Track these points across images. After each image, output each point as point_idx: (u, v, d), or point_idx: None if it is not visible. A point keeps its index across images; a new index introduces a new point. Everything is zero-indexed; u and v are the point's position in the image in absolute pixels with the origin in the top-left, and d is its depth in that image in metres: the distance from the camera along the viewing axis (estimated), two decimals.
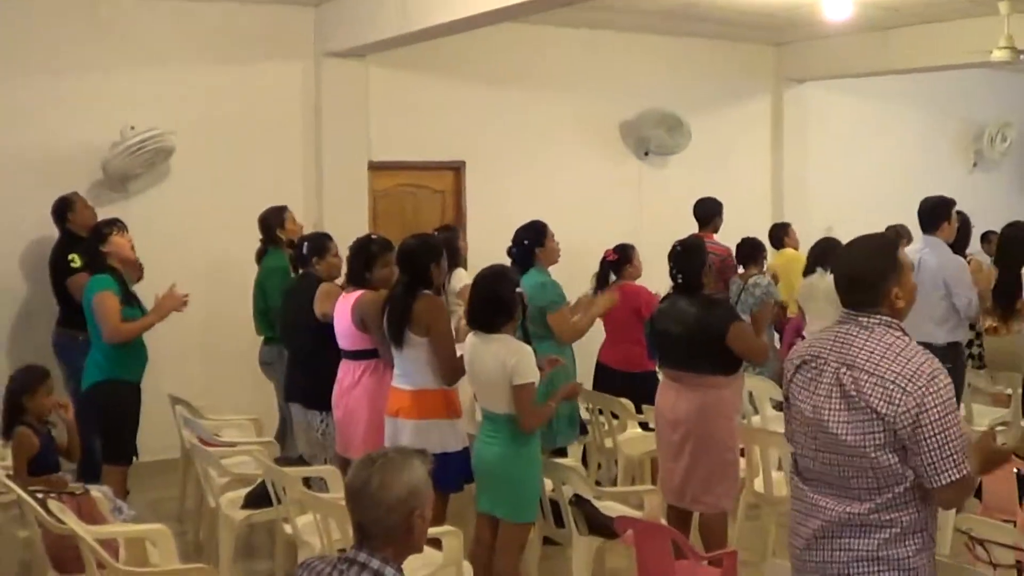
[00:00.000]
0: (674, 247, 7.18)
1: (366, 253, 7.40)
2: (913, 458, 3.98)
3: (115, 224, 7.97)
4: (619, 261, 9.32)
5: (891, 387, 3.96)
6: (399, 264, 6.98)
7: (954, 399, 4.04)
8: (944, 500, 4.15)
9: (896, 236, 11.06)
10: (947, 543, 7.41)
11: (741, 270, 10.39)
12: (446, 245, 8.61)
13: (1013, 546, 5.50)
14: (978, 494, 7.36)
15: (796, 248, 11.99)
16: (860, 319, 4.16)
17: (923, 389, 3.94)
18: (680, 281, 7.02)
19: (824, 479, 4.19)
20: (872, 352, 4.06)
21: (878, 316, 4.14)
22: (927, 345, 8.63)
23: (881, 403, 3.96)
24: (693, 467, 6.81)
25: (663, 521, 6.87)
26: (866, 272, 4.19)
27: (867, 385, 4.00)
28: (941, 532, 7.43)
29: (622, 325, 9.21)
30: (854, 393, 4.03)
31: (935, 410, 3.94)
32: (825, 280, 9.14)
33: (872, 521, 4.06)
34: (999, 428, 8.15)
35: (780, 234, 12.23)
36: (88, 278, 7.93)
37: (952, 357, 8.75)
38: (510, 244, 8.46)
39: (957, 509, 7.42)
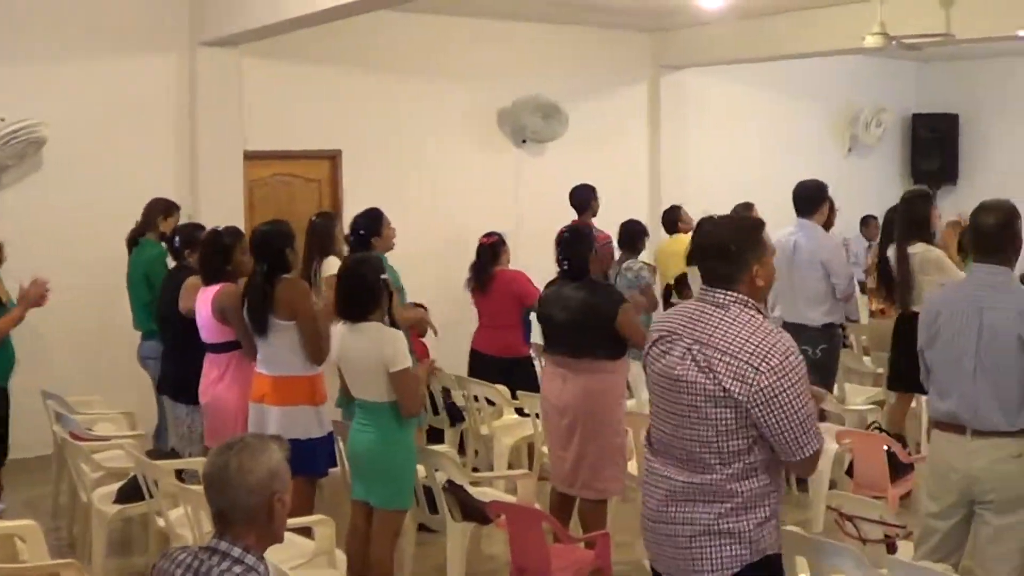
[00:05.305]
0: (561, 233, 7.20)
1: (221, 246, 7.36)
2: (772, 435, 4.01)
3: None
4: (496, 244, 9.31)
5: (744, 367, 3.98)
6: (253, 252, 6.95)
7: (806, 375, 4.08)
8: (800, 469, 4.26)
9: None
10: (820, 520, 7.54)
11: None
12: (322, 232, 8.60)
13: (881, 521, 5.61)
14: (849, 472, 7.54)
15: (689, 232, 11.06)
16: (716, 296, 4.18)
17: (777, 369, 3.97)
18: (567, 267, 7.02)
19: (672, 451, 4.23)
20: (726, 331, 4.07)
21: (734, 294, 4.16)
22: (803, 327, 8.85)
23: (733, 383, 3.98)
24: (583, 453, 6.80)
25: (537, 505, 6.90)
26: (731, 242, 4.20)
27: (719, 364, 4.02)
28: (813, 510, 7.65)
29: (499, 311, 9.21)
30: (707, 370, 4.04)
31: (792, 389, 3.98)
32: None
33: (713, 494, 4.10)
34: (871, 407, 8.36)
35: (673, 218, 11.75)
36: None
37: (828, 337, 8.92)
38: (347, 232, 8.48)
39: (830, 484, 7.67)
